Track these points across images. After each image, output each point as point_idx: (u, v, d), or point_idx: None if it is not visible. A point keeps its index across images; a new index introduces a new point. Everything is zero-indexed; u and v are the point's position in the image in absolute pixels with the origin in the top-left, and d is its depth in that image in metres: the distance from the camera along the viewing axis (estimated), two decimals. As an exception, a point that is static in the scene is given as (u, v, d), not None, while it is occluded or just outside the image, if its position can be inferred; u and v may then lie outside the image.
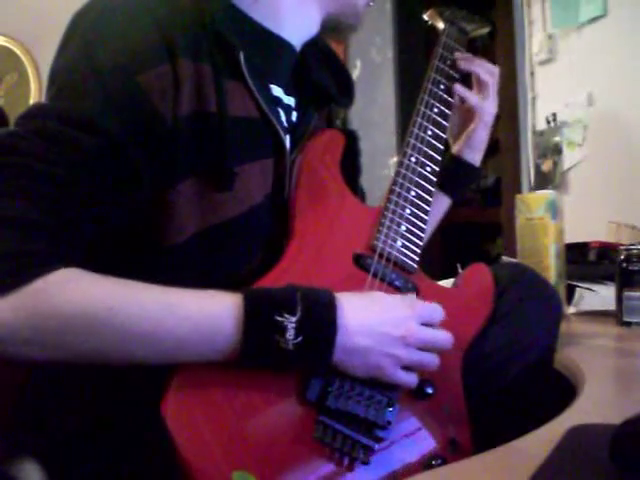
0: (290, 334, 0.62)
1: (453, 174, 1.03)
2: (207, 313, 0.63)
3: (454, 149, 1.05)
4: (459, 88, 0.96)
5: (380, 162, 2.66)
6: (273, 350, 0.63)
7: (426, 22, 1.07)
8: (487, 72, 1.00)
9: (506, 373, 0.83)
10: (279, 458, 0.64)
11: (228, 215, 0.72)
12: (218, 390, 0.63)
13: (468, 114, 1.02)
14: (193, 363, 0.63)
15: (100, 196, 0.65)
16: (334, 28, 0.87)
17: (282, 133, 0.78)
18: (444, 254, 2.54)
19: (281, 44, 0.81)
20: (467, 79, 1.00)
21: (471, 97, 0.98)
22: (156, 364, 0.62)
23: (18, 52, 3.09)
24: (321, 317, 0.64)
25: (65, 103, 0.66)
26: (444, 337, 0.72)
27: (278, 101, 0.82)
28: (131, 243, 0.71)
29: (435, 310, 0.73)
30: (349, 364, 0.67)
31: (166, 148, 0.68)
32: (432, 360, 0.71)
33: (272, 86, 0.81)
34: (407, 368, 0.70)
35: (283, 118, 0.81)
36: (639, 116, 1.84)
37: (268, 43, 0.79)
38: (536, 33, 2.21)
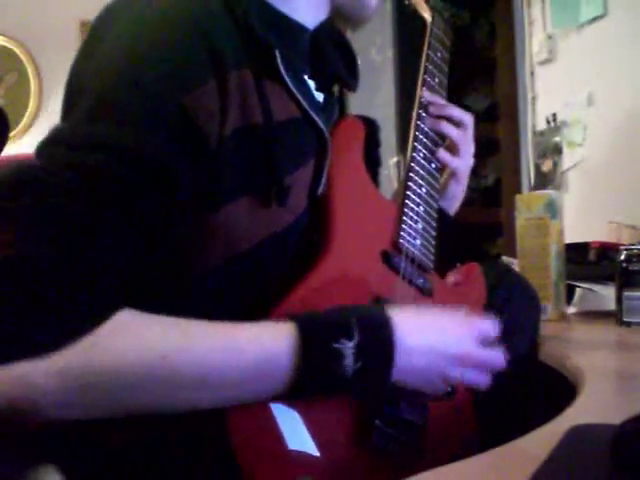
0: (349, 360, 0.59)
1: None
2: (262, 349, 0.58)
3: None
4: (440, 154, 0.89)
5: (380, 162, 2.65)
6: (331, 379, 0.60)
7: (407, 5, 1.02)
8: (457, 129, 0.91)
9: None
10: (339, 463, 0.64)
11: (277, 229, 0.68)
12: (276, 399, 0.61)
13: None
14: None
15: (144, 232, 0.58)
16: (344, 17, 0.84)
17: (326, 131, 0.74)
18: (444, 254, 2.54)
19: (300, 29, 0.76)
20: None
21: (450, 162, 0.91)
22: (211, 408, 0.58)
23: (18, 52, 3.08)
24: (379, 339, 0.61)
25: (104, 128, 0.57)
26: (500, 358, 0.70)
27: (311, 92, 0.77)
28: (171, 268, 0.65)
29: (492, 326, 0.70)
30: (404, 383, 0.65)
31: (211, 172, 0.62)
32: (484, 381, 0.69)
33: (305, 77, 0.76)
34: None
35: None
36: (639, 116, 1.84)
37: (292, 31, 0.74)
38: (536, 33, 2.21)
